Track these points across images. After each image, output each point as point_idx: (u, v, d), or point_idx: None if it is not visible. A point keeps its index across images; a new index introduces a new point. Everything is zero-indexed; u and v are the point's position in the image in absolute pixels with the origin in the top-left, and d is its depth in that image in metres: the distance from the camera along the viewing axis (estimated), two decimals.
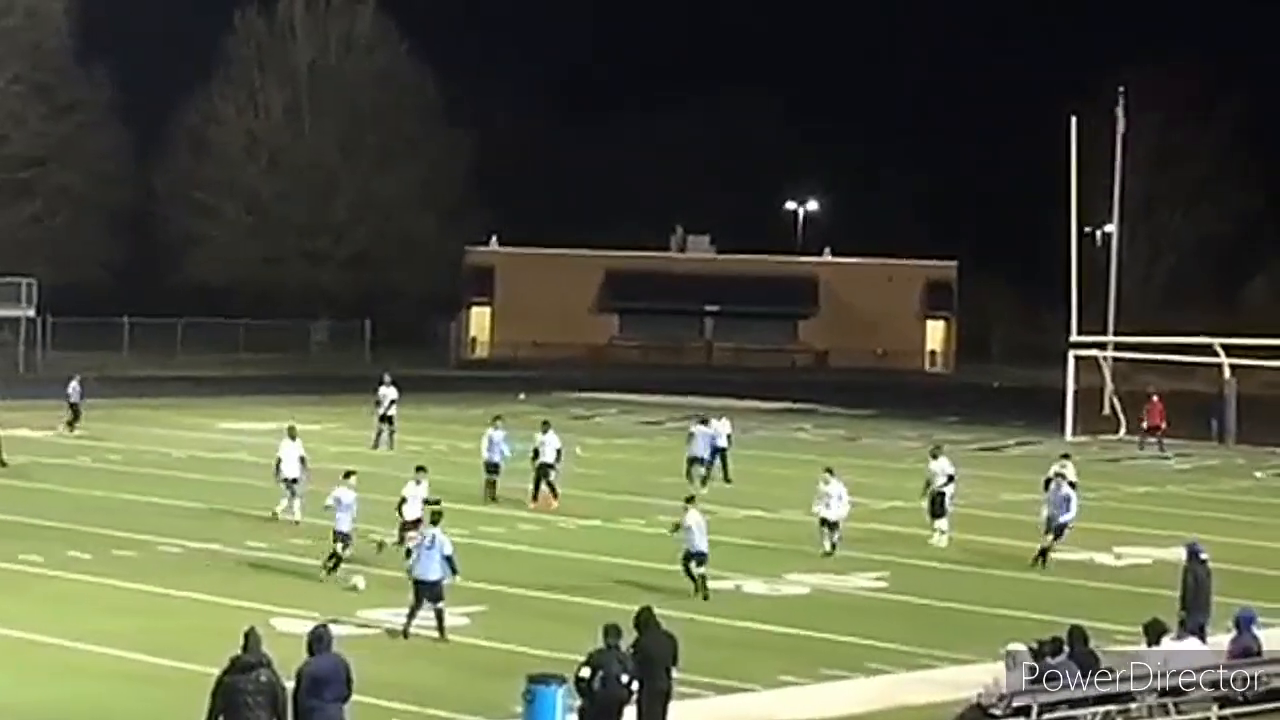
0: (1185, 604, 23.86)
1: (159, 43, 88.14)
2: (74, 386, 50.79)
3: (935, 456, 34.80)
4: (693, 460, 41.74)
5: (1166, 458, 51.73)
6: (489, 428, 38.91)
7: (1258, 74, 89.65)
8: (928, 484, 34.51)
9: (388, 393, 47.69)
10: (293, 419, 51.15)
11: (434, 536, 24.66)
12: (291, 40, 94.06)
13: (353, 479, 29.49)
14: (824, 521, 32.08)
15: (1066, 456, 37.15)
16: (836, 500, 32.08)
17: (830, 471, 32.47)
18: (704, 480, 40.85)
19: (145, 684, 21.70)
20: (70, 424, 50.03)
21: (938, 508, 34.12)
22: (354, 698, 17.58)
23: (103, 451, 45.48)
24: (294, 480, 34.14)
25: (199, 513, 35.13)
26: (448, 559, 24.41)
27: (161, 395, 62.92)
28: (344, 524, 28.61)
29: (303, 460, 34.46)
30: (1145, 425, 53.87)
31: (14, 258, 78.66)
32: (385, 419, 47.50)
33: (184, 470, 42.24)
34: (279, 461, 34.57)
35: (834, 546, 31.79)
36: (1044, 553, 31.43)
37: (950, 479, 34.38)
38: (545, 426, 39.34)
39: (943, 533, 33.90)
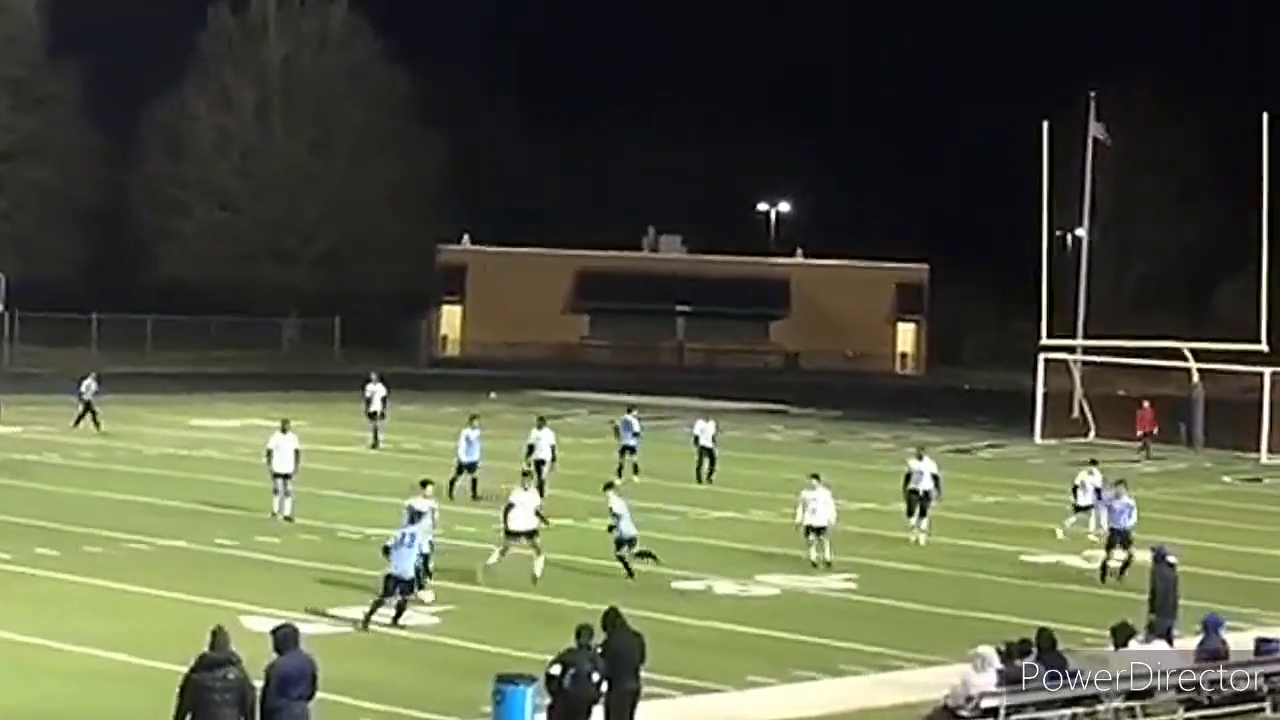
0: (1154, 607, 23.97)
1: (131, 38, 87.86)
2: (89, 384, 50.02)
3: (920, 457, 35.18)
4: (623, 449, 42.46)
5: (1136, 461, 51.92)
6: (465, 427, 38.89)
7: (1227, 82, 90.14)
8: (907, 479, 34.87)
9: (376, 389, 47.66)
10: (263, 416, 51.15)
11: (413, 534, 24.77)
12: (264, 37, 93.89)
13: (429, 489, 27.90)
14: (809, 529, 31.22)
15: (1094, 463, 36.65)
16: (823, 506, 31.28)
17: (816, 477, 31.72)
18: (635, 468, 41.76)
19: (112, 682, 21.63)
20: (79, 421, 49.25)
21: (920, 508, 34.41)
22: (324, 697, 17.56)
23: (73, 448, 45.32)
24: (287, 475, 33.92)
25: (169, 510, 35.03)
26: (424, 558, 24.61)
27: (132, 392, 62.65)
28: (402, 564, 24.93)
29: (297, 454, 34.28)
30: (1139, 432, 53.93)
31: None
32: (373, 415, 47.45)
33: (154, 467, 42.11)
34: (270, 454, 34.34)
35: (828, 564, 30.74)
36: (1125, 565, 30.21)
37: (936, 480, 34.76)
38: (540, 422, 39.48)
39: (923, 531, 34.20)
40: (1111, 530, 31.08)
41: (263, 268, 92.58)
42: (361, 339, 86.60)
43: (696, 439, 43.25)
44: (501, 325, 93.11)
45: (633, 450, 42.81)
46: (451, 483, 37.40)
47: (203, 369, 76.55)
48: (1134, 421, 54.21)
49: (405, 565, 24.57)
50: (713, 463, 42.49)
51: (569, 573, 29.39)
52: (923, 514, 34.45)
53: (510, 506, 28.59)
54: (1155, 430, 53.77)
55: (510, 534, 28.50)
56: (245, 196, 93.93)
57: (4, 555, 29.31)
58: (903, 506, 35.37)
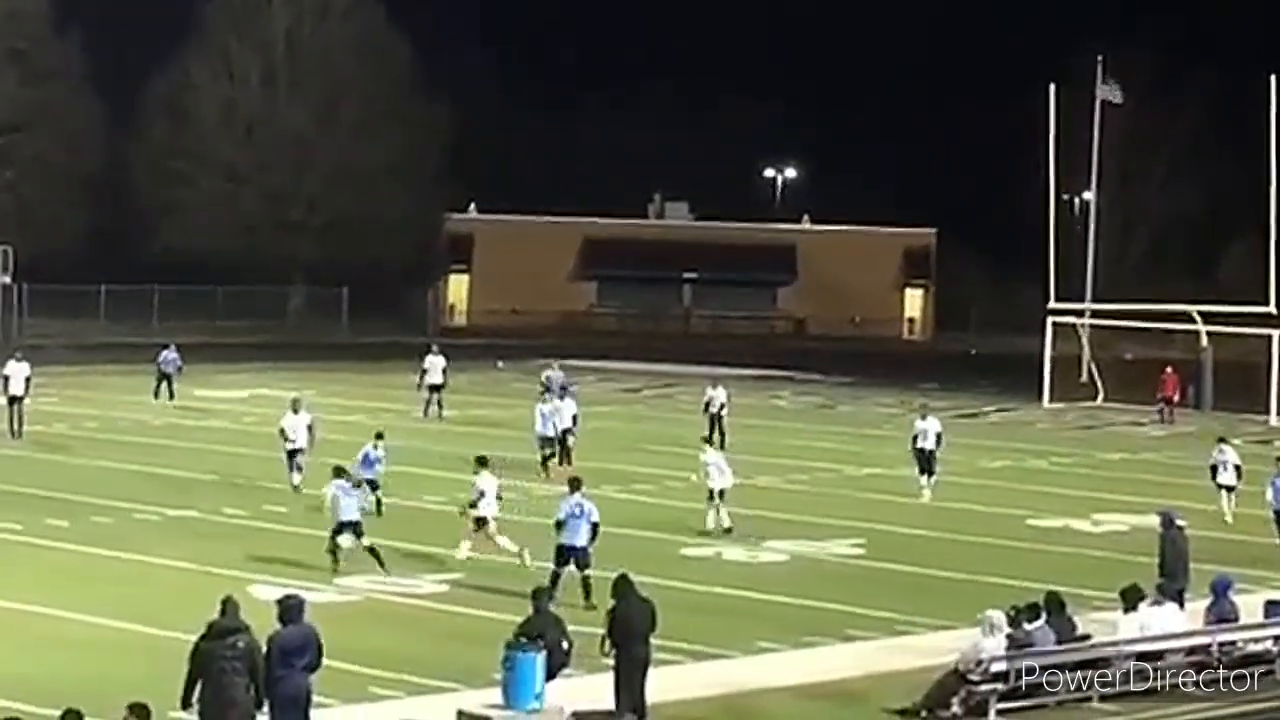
0: (1163, 571, 23.93)
1: (135, 9, 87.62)
2: (169, 355, 49.38)
3: (924, 417, 36.11)
4: (542, 440, 38.22)
5: (1143, 424, 51.87)
6: (540, 401, 38.79)
7: (1232, 47, 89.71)
8: (915, 439, 35.61)
9: (436, 361, 47.46)
10: (270, 387, 51.22)
11: (582, 504, 24.87)
12: (268, 8, 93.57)
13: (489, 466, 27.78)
14: (711, 494, 30.51)
15: (1224, 440, 35.47)
16: (718, 471, 30.56)
17: (708, 441, 31.74)
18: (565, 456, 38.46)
19: (122, 652, 21.66)
20: (158, 393, 48.70)
21: (927, 465, 35.21)
22: (334, 665, 17.60)
23: (80, 419, 45.35)
24: (299, 450, 33.67)
25: (177, 480, 35.06)
26: (594, 525, 24.71)
27: (138, 363, 62.66)
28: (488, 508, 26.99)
29: (310, 428, 34.09)
30: (1160, 396, 53.80)
31: None
32: (434, 388, 47.25)
33: (161, 437, 42.14)
34: (282, 431, 34.12)
35: (727, 530, 30.04)
36: None
37: (939, 438, 35.48)
38: (563, 393, 39.61)
39: (928, 488, 34.94)
40: (1275, 513, 30.25)
41: (268, 238, 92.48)
42: (368, 309, 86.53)
43: (707, 405, 43.18)
44: (508, 294, 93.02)
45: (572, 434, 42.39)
46: (544, 460, 37.04)
47: (209, 339, 76.52)
48: (1143, 385, 54.04)
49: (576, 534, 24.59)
50: (723, 431, 42.29)
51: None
52: (930, 472, 35.21)
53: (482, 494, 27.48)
54: (1177, 397, 53.51)
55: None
56: (250, 167, 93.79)
57: (14, 526, 29.36)
58: (910, 471, 35.70)
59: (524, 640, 18.00)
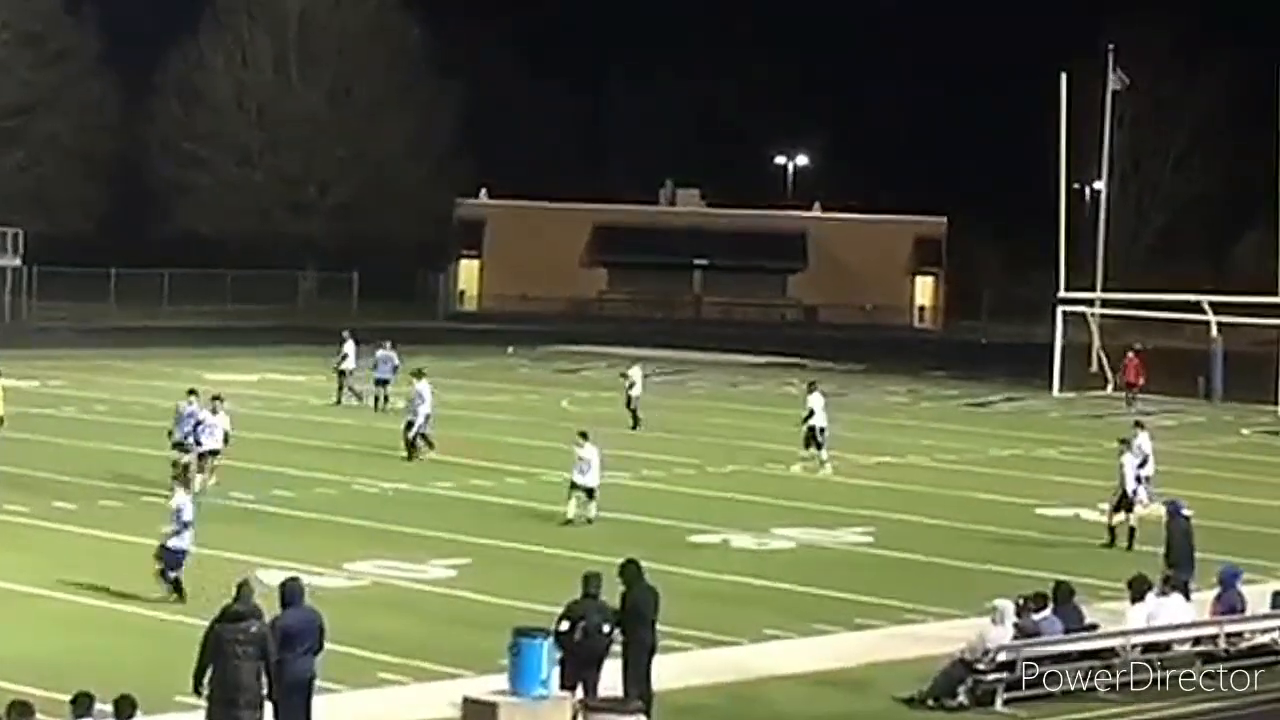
0: (1170, 561, 23.90)
1: None
2: (383, 354, 45.61)
3: (811, 391, 37.39)
4: (378, 382, 44.28)
5: (1150, 413, 51.73)
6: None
7: (1246, 31, 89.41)
8: (809, 415, 36.63)
9: (388, 356, 46.70)
10: (280, 371, 51.24)
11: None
12: None
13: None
14: (575, 486, 29.52)
15: (1140, 425, 33.74)
16: (589, 467, 29.59)
17: (584, 435, 30.18)
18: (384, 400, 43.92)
19: (131, 635, 21.70)
20: (340, 397, 46.07)
21: (815, 439, 36.46)
22: (339, 649, 17.62)
23: (89, 402, 45.40)
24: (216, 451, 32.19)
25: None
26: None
27: (148, 346, 62.81)
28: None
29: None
30: (1123, 380, 53.91)
31: (0, 207, 78.38)
32: (379, 381, 46.55)
33: (169, 420, 42.06)
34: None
35: (590, 520, 29.25)
36: None
37: (821, 412, 36.64)
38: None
39: (823, 462, 36.16)
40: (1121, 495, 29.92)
41: (279, 221, 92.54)
42: (379, 292, 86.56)
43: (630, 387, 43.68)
44: (519, 279, 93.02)
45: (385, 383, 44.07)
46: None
47: (220, 322, 76.61)
48: (1155, 374, 53.92)
49: None
50: (635, 413, 42.83)
51: (585, 525, 29.38)
52: (819, 445, 36.47)
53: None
54: (1141, 381, 53.36)
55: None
56: (262, 149, 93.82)
57: (21, 508, 29.39)
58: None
59: (566, 620, 18.00)
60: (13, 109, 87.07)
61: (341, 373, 46.62)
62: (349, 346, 46.84)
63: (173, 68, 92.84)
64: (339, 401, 46.03)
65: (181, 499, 23.88)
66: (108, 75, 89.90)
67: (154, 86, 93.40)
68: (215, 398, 32.85)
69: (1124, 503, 29.13)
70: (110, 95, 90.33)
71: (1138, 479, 30.46)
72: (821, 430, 36.60)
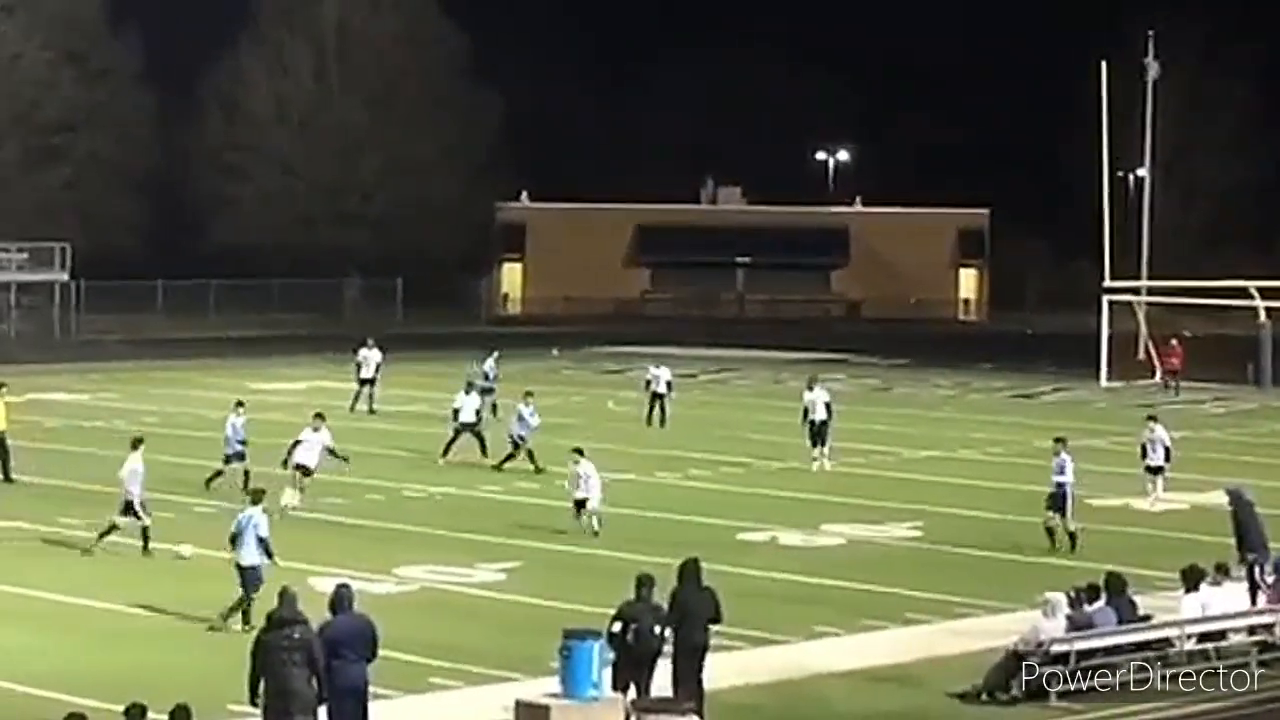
0: (1242, 545, 23.29)
1: (188, 6, 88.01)
2: (489, 366, 45.38)
3: (811, 387, 37.10)
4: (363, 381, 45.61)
5: (1202, 402, 51.49)
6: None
7: None
8: (806, 413, 36.57)
9: (371, 355, 46.72)
10: (327, 379, 51.38)
11: (251, 518, 23.05)
12: (319, 0, 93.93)
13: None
14: (579, 504, 28.98)
15: (1154, 419, 33.49)
16: (586, 481, 28.94)
17: (580, 452, 29.41)
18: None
19: (186, 646, 21.78)
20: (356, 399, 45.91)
21: (819, 436, 36.33)
22: (393, 656, 17.64)
23: (137, 414, 45.60)
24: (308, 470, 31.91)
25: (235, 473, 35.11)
26: (262, 541, 22.84)
27: (195, 357, 63.08)
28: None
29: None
30: (1164, 368, 53.82)
31: (47, 222, 78.86)
32: (365, 381, 46.42)
33: (218, 431, 42.18)
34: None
35: (595, 534, 28.59)
36: None
37: (828, 408, 36.64)
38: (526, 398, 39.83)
39: (816, 460, 36.04)
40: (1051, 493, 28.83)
41: (323, 230, 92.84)
42: (423, 299, 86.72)
43: (649, 384, 43.72)
44: (562, 282, 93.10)
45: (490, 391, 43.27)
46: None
47: (265, 332, 76.86)
48: (1204, 362, 53.76)
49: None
50: (664, 411, 43.09)
51: (633, 526, 29.39)
52: (822, 442, 36.34)
53: (298, 443, 30.75)
54: (1181, 368, 53.34)
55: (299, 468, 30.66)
56: (303, 159, 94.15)
57: (74, 521, 29.55)
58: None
59: (618, 622, 18.01)
60: (57, 126, 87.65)
61: (364, 381, 46.59)
62: (367, 353, 46.85)
63: (213, 81, 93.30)
64: (371, 410, 45.87)
65: (259, 515, 23.05)
66: (149, 90, 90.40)
67: (195, 100, 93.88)
68: (317, 415, 32.57)
69: (1058, 503, 28.07)
70: (152, 110, 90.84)
71: (1151, 469, 31.41)
72: (824, 424, 36.48)
